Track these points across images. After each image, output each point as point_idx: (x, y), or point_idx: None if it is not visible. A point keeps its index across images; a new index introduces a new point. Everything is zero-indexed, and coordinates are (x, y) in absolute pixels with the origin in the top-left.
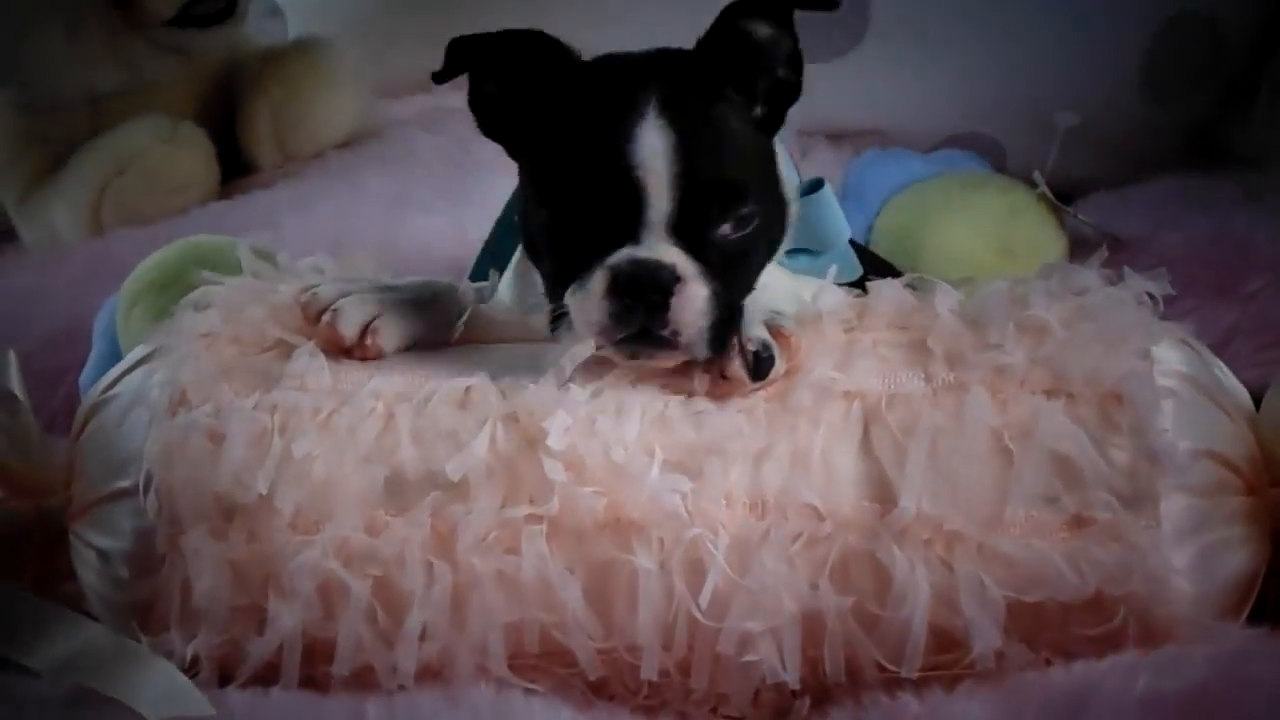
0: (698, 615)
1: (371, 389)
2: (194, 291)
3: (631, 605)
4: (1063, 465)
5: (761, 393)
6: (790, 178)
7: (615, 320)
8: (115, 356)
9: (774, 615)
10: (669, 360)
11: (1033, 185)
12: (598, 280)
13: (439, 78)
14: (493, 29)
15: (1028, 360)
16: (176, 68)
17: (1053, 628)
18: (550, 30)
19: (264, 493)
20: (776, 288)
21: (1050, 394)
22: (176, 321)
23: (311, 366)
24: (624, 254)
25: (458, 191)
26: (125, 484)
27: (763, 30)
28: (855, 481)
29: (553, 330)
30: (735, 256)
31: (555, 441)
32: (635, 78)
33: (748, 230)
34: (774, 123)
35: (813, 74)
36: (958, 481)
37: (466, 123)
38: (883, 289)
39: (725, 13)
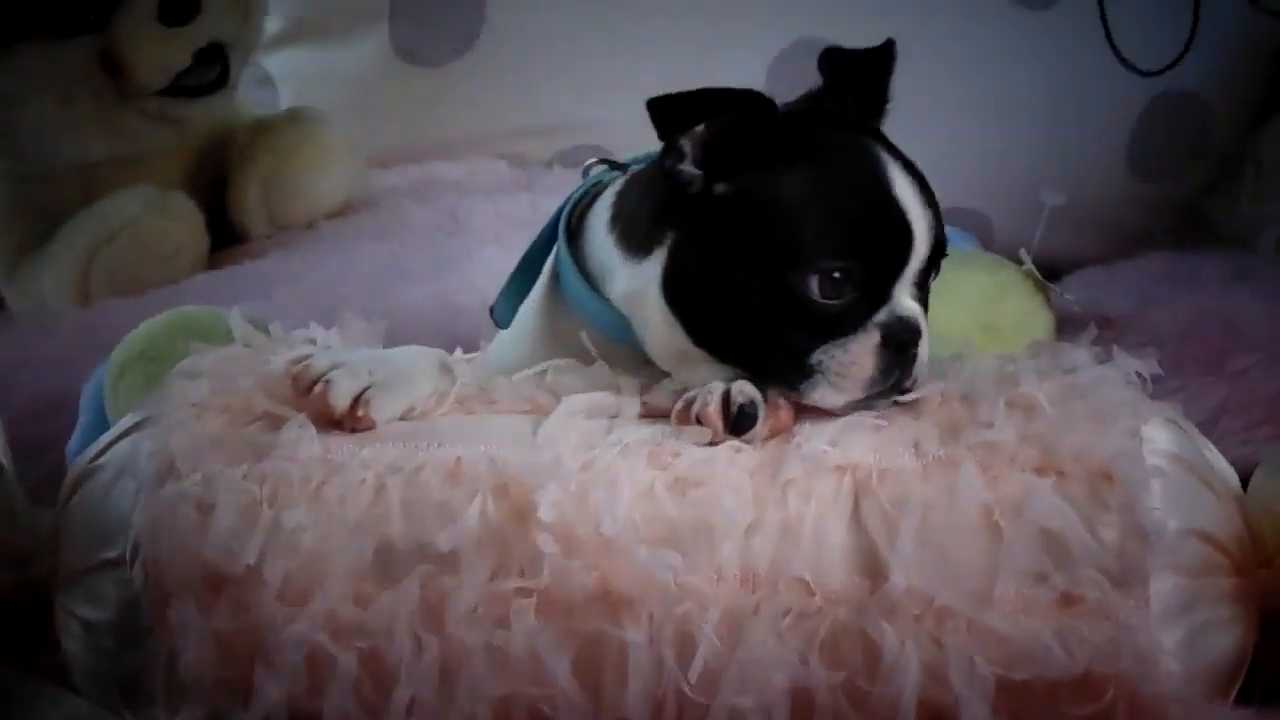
0: (687, 690)
1: (362, 460)
2: (184, 360)
3: (621, 679)
4: (1052, 543)
5: (752, 463)
6: None
7: (884, 375)
8: (102, 426)
9: (764, 690)
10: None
11: (1019, 262)
12: (871, 336)
13: (664, 133)
14: (481, 103)
15: (1018, 437)
16: (168, 137)
17: (1042, 706)
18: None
19: (252, 564)
20: None
21: (1040, 471)
22: (166, 391)
23: (302, 437)
24: (889, 312)
25: (447, 261)
26: (112, 554)
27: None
28: (845, 555)
29: (797, 387)
30: (925, 306)
31: (546, 514)
32: (852, 129)
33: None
34: None
35: None
36: (948, 557)
37: (456, 193)
38: None
39: (854, 70)
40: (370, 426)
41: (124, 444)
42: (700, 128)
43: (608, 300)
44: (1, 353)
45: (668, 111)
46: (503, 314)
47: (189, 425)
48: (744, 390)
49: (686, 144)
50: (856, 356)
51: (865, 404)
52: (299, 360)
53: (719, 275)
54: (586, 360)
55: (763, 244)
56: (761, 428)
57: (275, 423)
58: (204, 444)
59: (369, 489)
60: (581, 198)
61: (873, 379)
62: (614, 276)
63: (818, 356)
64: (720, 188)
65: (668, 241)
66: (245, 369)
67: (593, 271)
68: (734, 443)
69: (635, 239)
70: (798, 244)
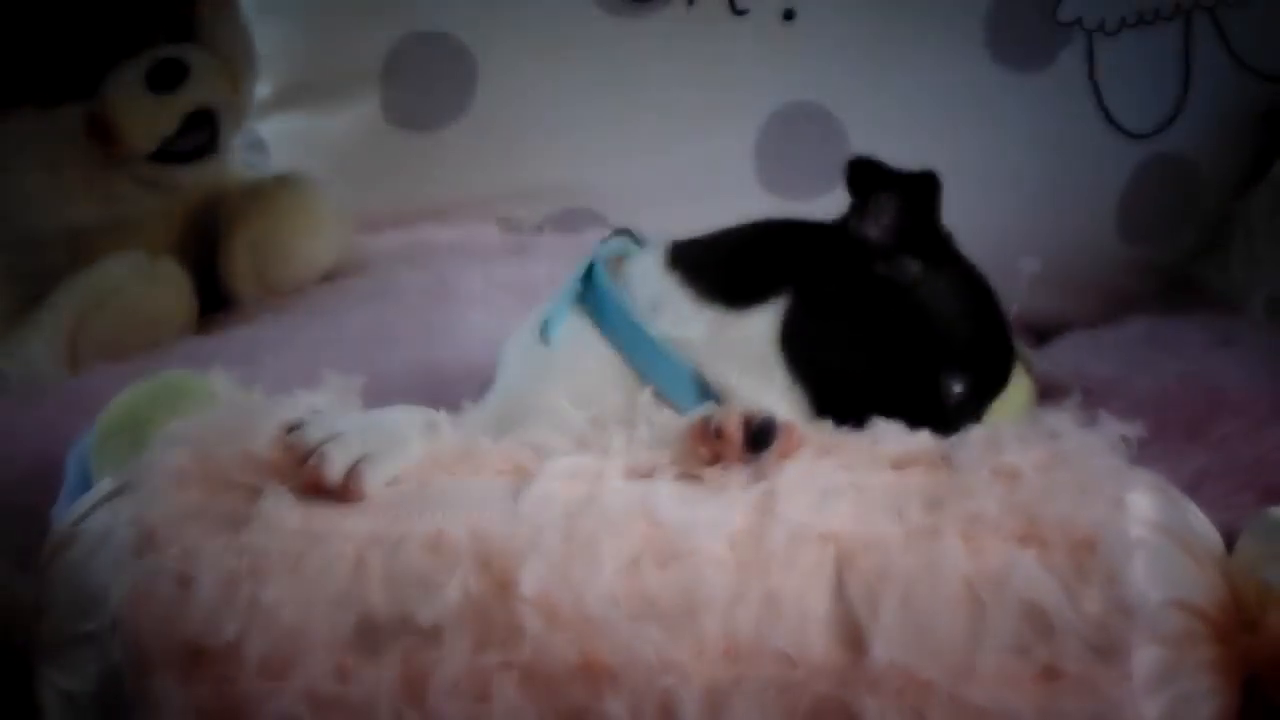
0: None
1: (343, 531)
2: (165, 427)
3: None
4: (1034, 615)
5: (734, 532)
6: None
7: None
8: (86, 492)
9: None
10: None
11: None
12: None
13: (855, 190)
14: (473, 167)
15: (1001, 507)
16: (157, 202)
17: None
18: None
19: (232, 639)
20: None
21: (1023, 541)
22: (146, 457)
23: (282, 507)
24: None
25: (435, 327)
26: (91, 626)
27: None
28: (827, 627)
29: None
30: None
31: (528, 589)
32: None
33: None
34: None
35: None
36: (930, 630)
37: (447, 257)
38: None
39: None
40: (361, 498)
41: (103, 511)
42: (893, 199)
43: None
44: None
45: (866, 172)
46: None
47: (169, 494)
48: (763, 410)
49: (883, 216)
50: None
51: None
52: (291, 429)
53: (864, 349)
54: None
55: (921, 336)
56: (776, 450)
57: (255, 490)
58: (184, 514)
59: (349, 562)
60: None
61: None
62: (672, 316)
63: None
64: (907, 266)
65: (785, 296)
66: (227, 436)
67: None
68: (714, 508)
69: (723, 284)
70: (950, 346)
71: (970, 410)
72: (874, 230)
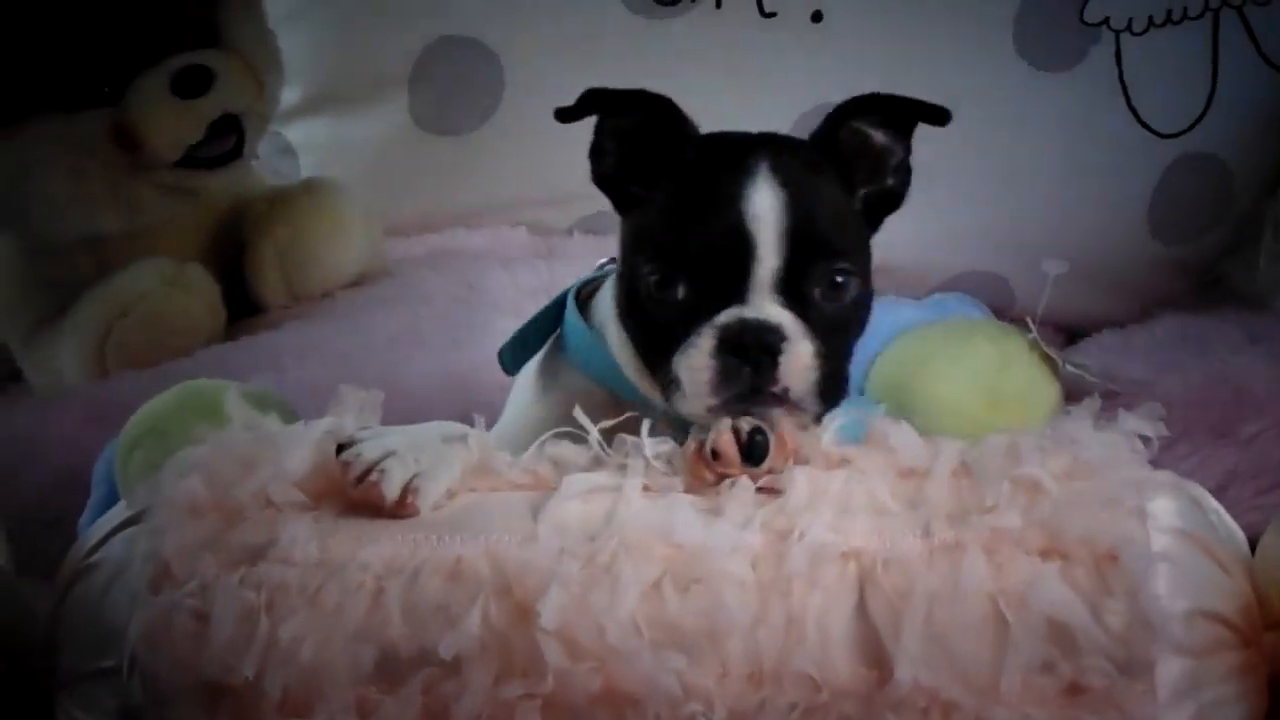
0: None
1: (360, 561)
2: (176, 456)
3: None
4: (1058, 631)
5: (754, 553)
6: None
7: (725, 378)
8: (114, 501)
9: None
10: (783, 418)
11: (1028, 330)
12: (706, 339)
13: (565, 116)
14: (502, 171)
15: (1023, 521)
16: (182, 209)
17: None
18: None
19: (250, 677)
20: None
21: (1045, 555)
22: (159, 486)
23: (298, 537)
24: (732, 313)
25: (463, 332)
26: (109, 663)
27: (878, 136)
28: (850, 647)
29: (667, 397)
30: (836, 319)
31: (549, 620)
32: (748, 147)
33: (848, 295)
34: (874, 224)
35: None
36: (953, 649)
37: (473, 262)
38: (890, 429)
39: (842, 109)
40: (416, 514)
41: (117, 543)
42: (614, 125)
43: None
44: (18, 427)
45: (588, 99)
46: (511, 361)
47: (182, 526)
48: (748, 421)
49: (609, 144)
50: (694, 360)
51: (731, 409)
52: (349, 447)
53: (626, 286)
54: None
55: (639, 251)
56: (775, 455)
57: (271, 517)
58: (198, 545)
59: (368, 593)
60: (591, 280)
61: (713, 383)
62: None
63: (674, 364)
64: (635, 191)
65: None
66: (241, 463)
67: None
68: (733, 528)
69: None
70: (649, 250)
71: (709, 301)
72: (609, 163)
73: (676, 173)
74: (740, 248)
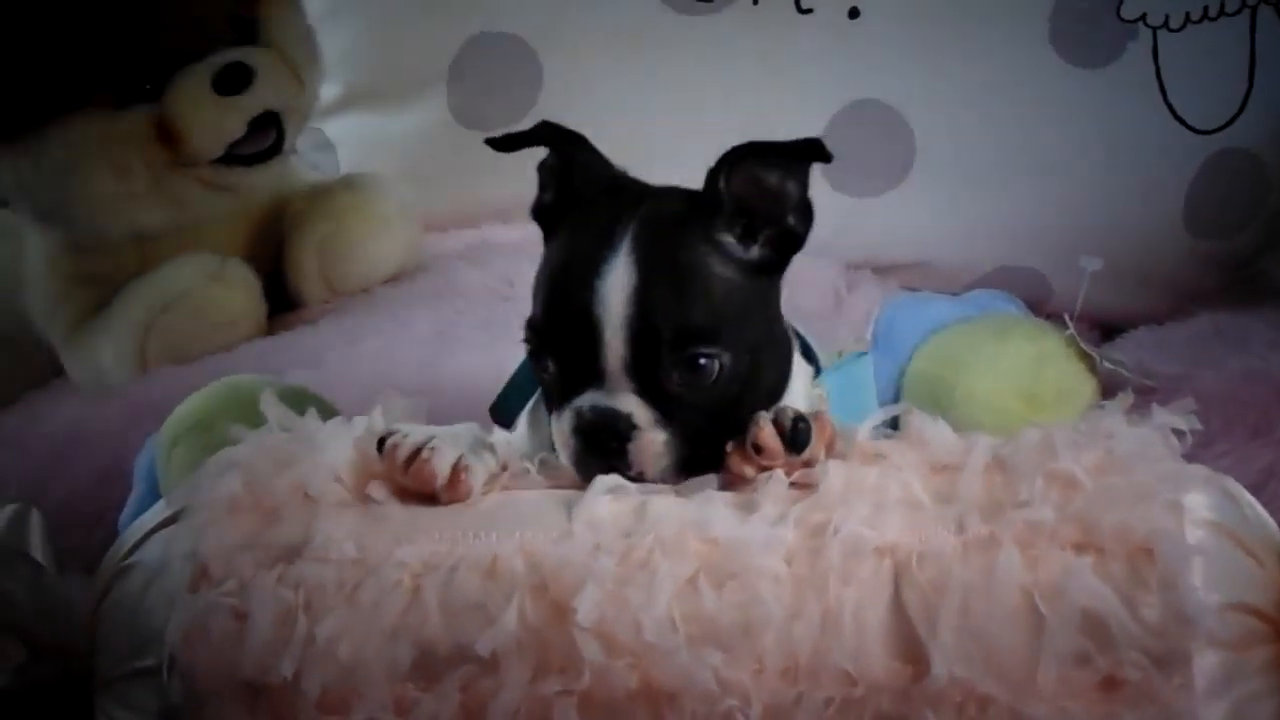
0: None
1: (397, 559)
2: (214, 456)
3: None
4: (1094, 625)
5: (789, 547)
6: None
7: (583, 460)
8: (155, 497)
9: None
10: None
11: (1064, 326)
12: (566, 419)
13: (501, 145)
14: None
15: (1057, 515)
16: (223, 205)
17: None
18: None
19: (289, 676)
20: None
21: (1080, 549)
22: (197, 486)
23: (334, 535)
24: (587, 397)
25: (501, 327)
26: (149, 663)
27: (772, 177)
28: (885, 641)
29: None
30: (701, 402)
31: (585, 617)
32: (621, 212)
33: (713, 376)
34: (776, 266)
35: (859, 209)
36: (989, 643)
37: (511, 257)
38: (924, 424)
39: (721, 161)
40: (469, 495)
41: (155, 543)
42: (549, 161)
43: None
44: (60, 422)
45: (505, 141)
46: (506, 412)
47: (221, 525)
48: (789, 409)
49: (544, 179)
50: (559, 432)
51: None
52: (393, 436)
53: None
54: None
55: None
56: (816, 443)
57: (309, 517)
58: (237, 545)
59: (405, 591)
60: None
61: (575, 461)
62: None
63: (553, 424)
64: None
65: None
66: (279, 461)
67: None
68: (768, 523)
69: None
70: (528, 320)
71: (568, 380)
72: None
73: (566, 224)
74: (590, 335)
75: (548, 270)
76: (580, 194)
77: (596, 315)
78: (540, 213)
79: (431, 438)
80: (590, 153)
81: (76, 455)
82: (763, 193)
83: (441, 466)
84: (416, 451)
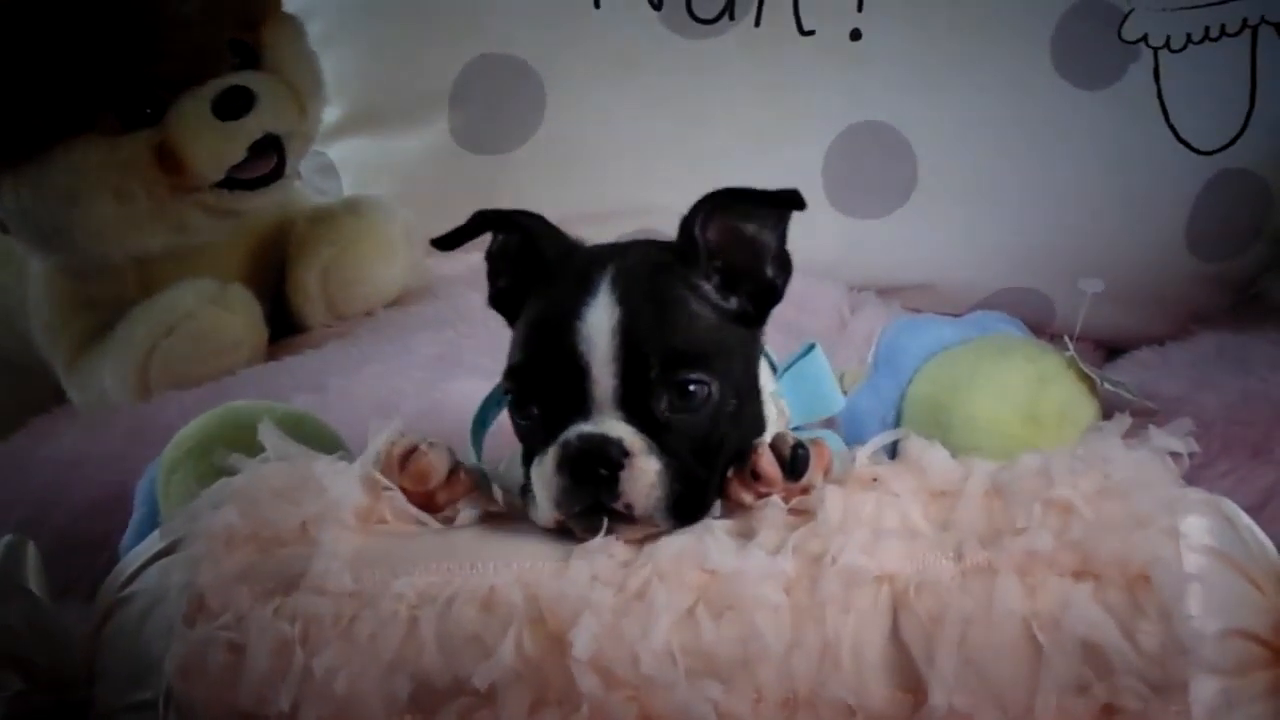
0: None
1: (394, 591)
2: (211, 487)
3: None
4: (1092, 653)
5: (788, 577)
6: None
7: (568, 495)
8: (155, 522)
9: None
10: (631, 532)
11: (1065, 348)
12: (550, 456)
13: (447, 243)
14: (542, 190)
15: (1055, 542)
16: (225, 229)
17: None
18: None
19: (286, 710)
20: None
21: (1078, 576)
22: (194, 516)
23: (331, 568)
24: (573, 430)
25: (504, 351)
26: (146, 695)
27: (748, 227)
28: (884, 671)
29: (524, 504)
30: (693, 430)
31: (582, 651)
32: (595, 261)
33: (703, 403)
34: (755, 319)
35: (863, 230)
36: (988, 672)
37: None
38: (922, 450)
39: (694, 209)
40: (467, 492)
41: (152, 573)
42: (503, 244)
43: None
44: (63, 446)
45: (450, 238)
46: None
47: (218, 556)
48: (788, 435)
49: (501, 264)
50: (541, 475)
51: (577, 523)
52: (392, 440)
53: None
54: None
55: (505, 372)
56: (815, 469)
57: (305, 546)
58: (233, 577)
59: (402, 623)
60: None
61: (557, 499)
62: None
63: (531, 477)
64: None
65: None
66: (277, 494)
67: None
68: (766, 553)
69: None
70: (507, 372)
71: (553, 418)
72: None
73: (536, 291)
74: (576, 370)
75: (525, 327)
76: (547, 263)
77: (582, 352)
78: (498, 300)
79: (425, 440)
80: (547, 224)
81: (79, 479)
82: (739, 243)
83: (439, 464)
84: (413, 450)
